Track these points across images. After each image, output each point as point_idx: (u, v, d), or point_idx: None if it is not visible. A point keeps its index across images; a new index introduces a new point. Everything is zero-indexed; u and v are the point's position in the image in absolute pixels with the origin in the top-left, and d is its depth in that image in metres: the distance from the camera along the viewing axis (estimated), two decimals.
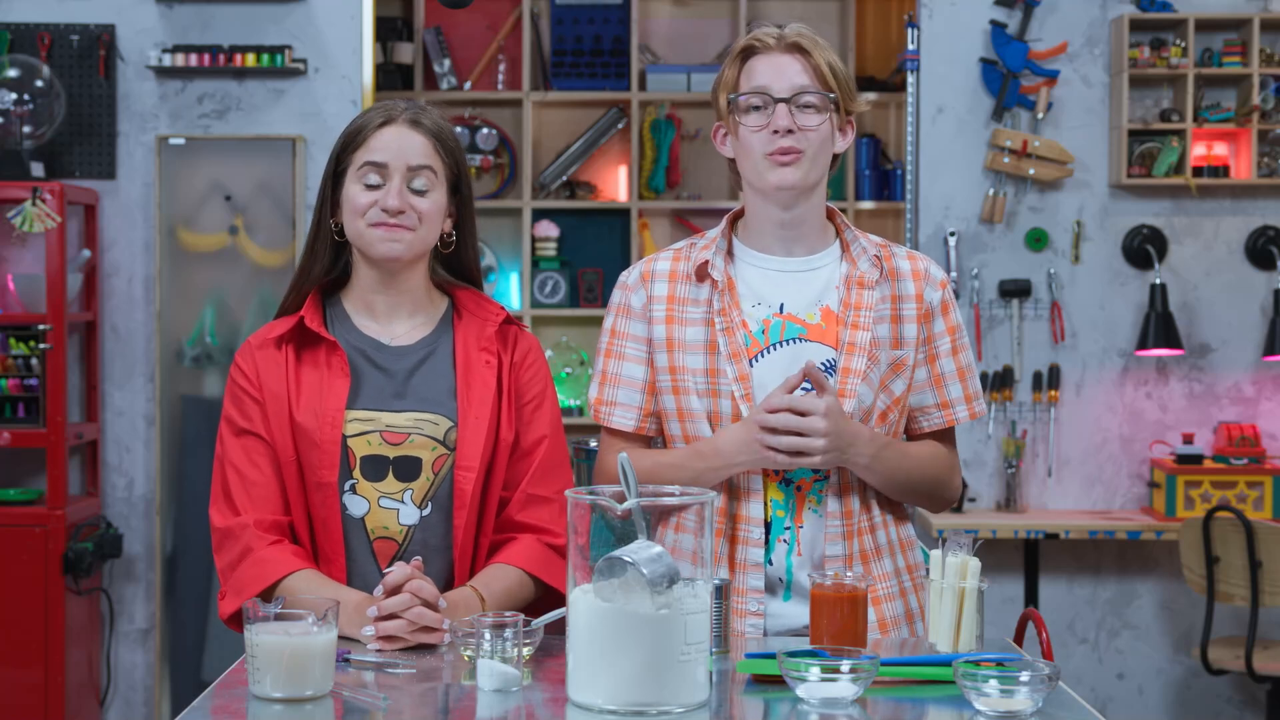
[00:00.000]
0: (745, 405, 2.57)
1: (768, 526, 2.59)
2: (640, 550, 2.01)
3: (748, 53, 2.64)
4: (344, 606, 2.31)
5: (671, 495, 2.18)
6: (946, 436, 2.74)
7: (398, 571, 2.36)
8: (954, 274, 5.52)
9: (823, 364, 2.58)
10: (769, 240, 2.66)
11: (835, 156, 2.66)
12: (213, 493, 2.55)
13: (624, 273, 2.73)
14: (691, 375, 2.61)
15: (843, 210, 5.06)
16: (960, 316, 2.71)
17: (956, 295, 5.51)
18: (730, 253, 2.68)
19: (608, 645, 2.01)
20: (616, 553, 2.00)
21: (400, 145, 2.53)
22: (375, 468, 2.51)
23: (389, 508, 2.51)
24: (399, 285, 2.59)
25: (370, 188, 2.53)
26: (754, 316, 2.62)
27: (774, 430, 2.48)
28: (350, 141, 2.56)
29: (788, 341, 2.60)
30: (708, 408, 2.60)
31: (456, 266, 2.67)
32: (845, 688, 2.07)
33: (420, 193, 2.54)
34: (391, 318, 2.60)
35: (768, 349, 2.60)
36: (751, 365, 2.59)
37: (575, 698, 2.05)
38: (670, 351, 2.63)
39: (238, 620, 2.43)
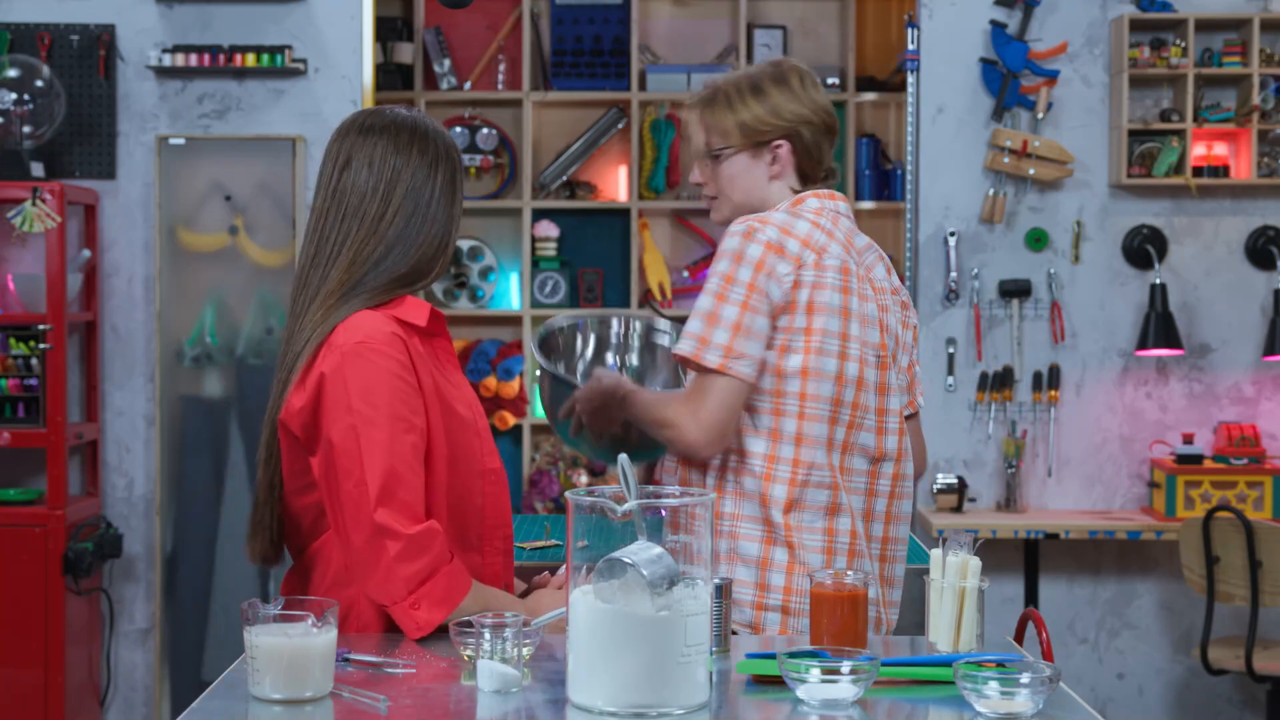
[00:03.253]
0: None
1: None
2: (640, 551, 2.00)
3: None
4: (538, 599, 2.52)
5: (672, 495, 2.18)
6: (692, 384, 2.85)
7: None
8: (954, 274, 5.52)
9: None
10: None
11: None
12: (377, 493, 2.35)
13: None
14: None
15: None
16: (722, 267, 2.78)
17: (955, 295, 5.52)
18: None
19: (608, 646, 2.01)
20: (616, 554, 2.00)
21: None
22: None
23: None
24: None
25: None
26: None
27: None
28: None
29: None
30: None
31: None
32: (846, 688, 2.06)
33: None
34: None
35: None
36: None
37: (575, 699, 2.05)
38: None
39: (438, 631, 2.37)
